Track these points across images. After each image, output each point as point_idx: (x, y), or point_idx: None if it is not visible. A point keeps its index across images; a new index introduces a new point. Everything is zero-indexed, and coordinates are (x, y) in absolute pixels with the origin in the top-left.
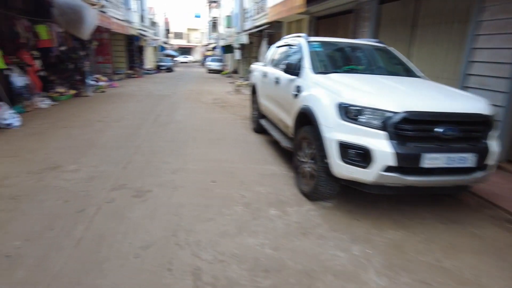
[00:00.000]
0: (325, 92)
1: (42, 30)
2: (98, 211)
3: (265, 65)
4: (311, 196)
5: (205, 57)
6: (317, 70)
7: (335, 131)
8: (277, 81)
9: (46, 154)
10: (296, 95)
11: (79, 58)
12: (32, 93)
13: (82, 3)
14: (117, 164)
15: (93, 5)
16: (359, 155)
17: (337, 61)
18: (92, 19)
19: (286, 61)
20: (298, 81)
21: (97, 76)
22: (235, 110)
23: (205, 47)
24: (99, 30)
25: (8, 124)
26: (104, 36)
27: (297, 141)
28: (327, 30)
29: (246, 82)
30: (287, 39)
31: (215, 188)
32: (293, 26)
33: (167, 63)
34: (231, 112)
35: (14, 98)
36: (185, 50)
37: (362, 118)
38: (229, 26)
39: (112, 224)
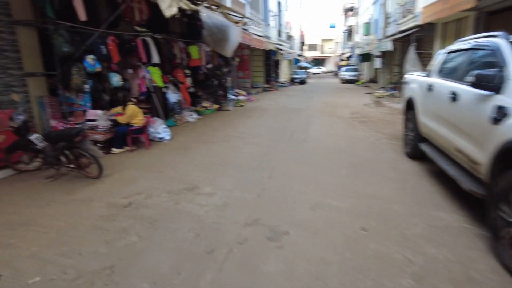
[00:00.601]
0: None
1: (194, 51)
2: (229, 255)
3: (428, 75)
4: None
5: (339, 67)
6: None
7: None
8: (454, 96)
9: (187, 171)
10: (496, 120)
11: (223, 74)
12: (182, 108)
13: (228, 23)
14: (251, 189)
15: (237, 23)
16: None
17: None
18: (235, 37)
19: (475, 71)
20: (500, 100)
21: (237, 90)
22: (378, 127)
23: (339, 57)
24: (240, 47)
25: (161, 138)
26: (245, 53)
27: (500, 189)
28: (504, 27)
29: (388, 93)
30: (467, 41)
31: (368, 240)
32: (450, 27)
33: (300, 75)
34: (374, 129)
35: (167, 112)
36: (318, 61)
37: None
38: (367, 33)
39: (243, 278)
